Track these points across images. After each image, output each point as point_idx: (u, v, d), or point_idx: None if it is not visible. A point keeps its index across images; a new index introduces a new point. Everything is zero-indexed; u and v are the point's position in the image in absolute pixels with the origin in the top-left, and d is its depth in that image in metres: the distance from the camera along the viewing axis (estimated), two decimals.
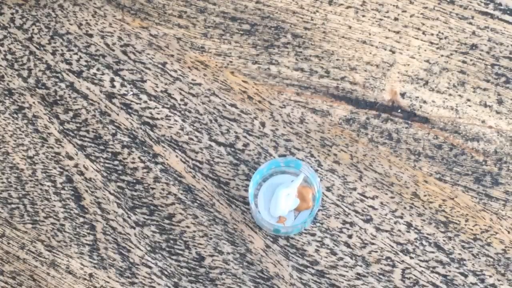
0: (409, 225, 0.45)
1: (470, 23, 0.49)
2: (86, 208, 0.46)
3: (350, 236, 0.45)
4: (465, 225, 0.45)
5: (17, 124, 0.48)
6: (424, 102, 0.47)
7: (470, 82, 0.48)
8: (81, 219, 0.46)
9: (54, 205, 0.47)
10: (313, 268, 0.44)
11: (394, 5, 0.49)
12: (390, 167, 0.46)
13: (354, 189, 0.46)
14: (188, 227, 0.45)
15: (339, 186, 0.46)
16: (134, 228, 0.45)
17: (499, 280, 0.43)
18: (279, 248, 0.45)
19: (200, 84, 0.49)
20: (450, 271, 0.44)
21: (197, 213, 0.46)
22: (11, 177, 0.47)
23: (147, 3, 0.51)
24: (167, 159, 0.47)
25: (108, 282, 0.45)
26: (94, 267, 0.45)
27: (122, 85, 0.49)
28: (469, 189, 0.45)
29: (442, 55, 0.48)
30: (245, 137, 0.47)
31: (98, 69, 0.49)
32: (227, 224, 0.45)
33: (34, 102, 0.49)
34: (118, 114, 0.48)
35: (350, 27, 0.49)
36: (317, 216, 0.45)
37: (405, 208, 0.45)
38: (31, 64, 0.50)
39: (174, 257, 0.45)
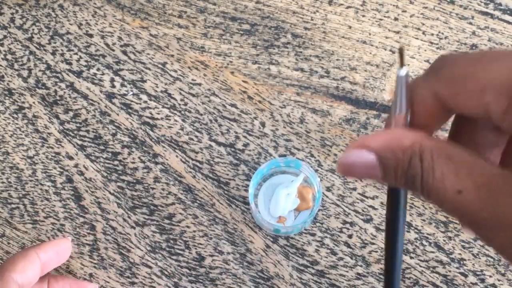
0: (409, 225, 0.45)
1: (470, 23, 0.49)
2: (86, 208, 0.46)
3: (350, 236, 0.45)
4: None
5: (17, 124, 0.48)
6: None
7: None
8: (81, 219, 0.46)
9: (54, 205, 0.47)
10: (313, 268, 0.44)
11: (394, 5, 0.49)
12: None
13: (354, 189, 0.46)
14: (188, 227, 0.45)
15: (339, 186, 0.46)
16: (134, 228, 0.45)
17: (499, 280, 0.43)
18: (279, 248, 0.45)
19: (200, 84, 0.48)
20: (450, 271, 0.44)
21: (197, 213, 0.46)
22: (11, 177, 0.47)
23: (147, 3, 0.51)
24: (167, 159, 0.47)
25: (108, 282, 0.45)
26: (94, 267, 0.45)
27: (122, 85, 0.49)
28: None
29: None
30: (245, 137, 0.47)
31: (98, 69, 0.49)
32: (227, 224, 0.45)
33: (34, 102, 0.49)
34: (118, 114, 0.48)
35: (350, 27, 0.49)
36: (317, 216, 0.45)
37: None
38: (31, 64, 0.50)
39: (174, 257, 0.45)
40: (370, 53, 0.49)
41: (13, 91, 0.49)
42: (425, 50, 0.48)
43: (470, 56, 0.21)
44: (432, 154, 0.20)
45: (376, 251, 0.44)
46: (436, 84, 0.22)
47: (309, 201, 0.44)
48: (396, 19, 0.49)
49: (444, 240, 0.44)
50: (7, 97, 0.49)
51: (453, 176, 0.20)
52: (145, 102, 0.48)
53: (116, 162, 0.47)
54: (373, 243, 0.44)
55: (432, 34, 0.49)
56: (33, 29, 0.50)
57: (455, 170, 0.20)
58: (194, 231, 0.45)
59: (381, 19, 0.49)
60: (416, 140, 0.21)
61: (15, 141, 0.48)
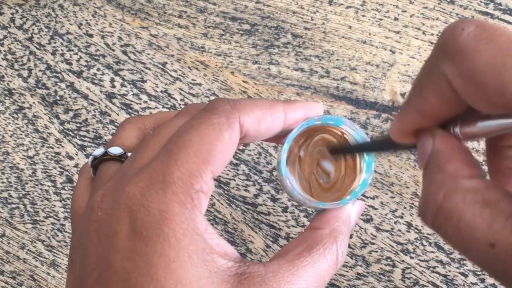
0: (409, 225, 0.45)
1: None
2: None
3: (350, 236, 0.45)
4: None
5: (17, 124, 0.48)
6: None
7: None
8: None
9: (54, 205, 0.47)
10: None
11: (394, 5, 0.49)
12: (390, 167, 0.46)
13: None
14: None
15: None
16: None
17: None
18: (279, 248, 0.45)
19: (200, 84, 0.49)
20: (450, 271, 0.44)
21: None
22: (11, 177, 0.47)
23: (147, 3, 0.51)
24: None
25: None
26: None
27: (122, 85, 0.49)
28: None
29: None
30: None
31: (98, 69, 0.49)
32: (227, 224, 0.45)
33: (34, 102, 0.49)
34: (118, 114, 0.48)
35: (350, 27, 0.49)
36: None
37: (405, 208, 0.45)
38: (31, 64, 0.50)
39: None
40: (370, 53, 0.49)
41: (13, 91, 0.49)
42: (425, 50, 0.48)
43: (493, 51, 0.17)
44: (465, 197, 0.18)
45: (376, 251, 0.44)
46: (451, 74, 0.19)
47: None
48: (396, 19, 0.49)
49: (444, 240, 0.44)
50: (7, 97, 0.49)
51: (486, 226, 0.17)
52: (145, 102, 0.48)
53: None
54: (373, 243, 0.44)
55: (432, 34, 0.49)
56: (33, 29, 0.50)
57: (490, 220, 0.17)
58: None
59: (381, 19, 0.49)
60: (454, 172, 0.19)
61: (15, 141, 0.48)
